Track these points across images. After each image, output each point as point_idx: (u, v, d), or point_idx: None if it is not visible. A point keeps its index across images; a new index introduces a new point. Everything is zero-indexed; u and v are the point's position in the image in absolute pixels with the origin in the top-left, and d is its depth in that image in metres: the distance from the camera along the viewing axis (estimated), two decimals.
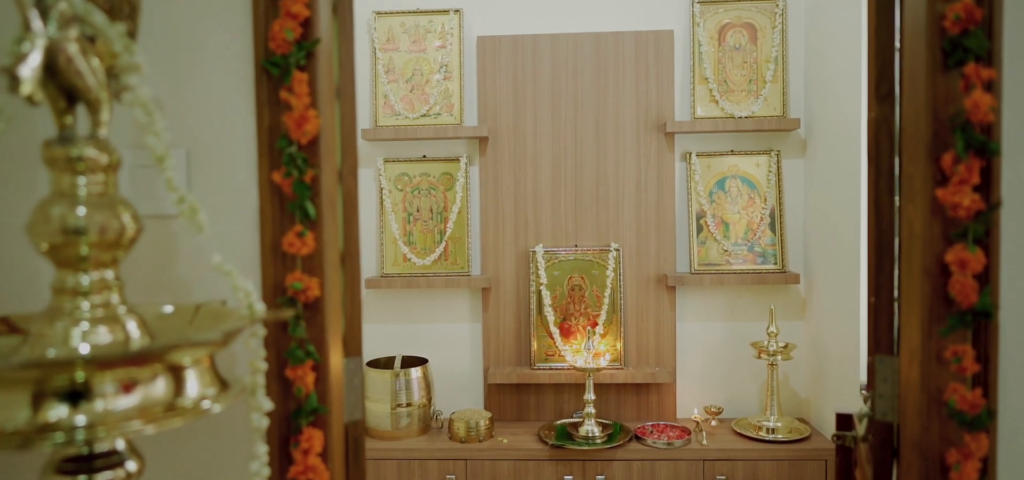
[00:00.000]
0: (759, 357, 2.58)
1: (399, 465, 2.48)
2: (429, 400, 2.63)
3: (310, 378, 1.03)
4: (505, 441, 2.54)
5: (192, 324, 0.91)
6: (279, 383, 1.04)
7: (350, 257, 1.17)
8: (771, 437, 2.51)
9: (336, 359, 1.10)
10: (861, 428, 1.39)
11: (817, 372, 2.64)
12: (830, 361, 2.52)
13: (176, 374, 0.79)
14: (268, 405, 0.89)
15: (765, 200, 2.72)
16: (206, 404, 0.80)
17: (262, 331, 0.88)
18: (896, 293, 1.21)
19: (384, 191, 2.77)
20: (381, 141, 2.76)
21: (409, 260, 2.76)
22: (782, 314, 2.70)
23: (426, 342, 2.82)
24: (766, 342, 2.58)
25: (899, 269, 1.12)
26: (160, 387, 0.77)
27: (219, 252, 0.96)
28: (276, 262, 1.04)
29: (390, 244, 2.78)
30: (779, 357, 2.56)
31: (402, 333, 2.83)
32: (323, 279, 1.06)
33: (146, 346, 0.81)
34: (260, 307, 0.86)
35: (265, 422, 0.89)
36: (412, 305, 2.82)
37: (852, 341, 2.33)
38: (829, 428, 2.53)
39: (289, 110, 1.01)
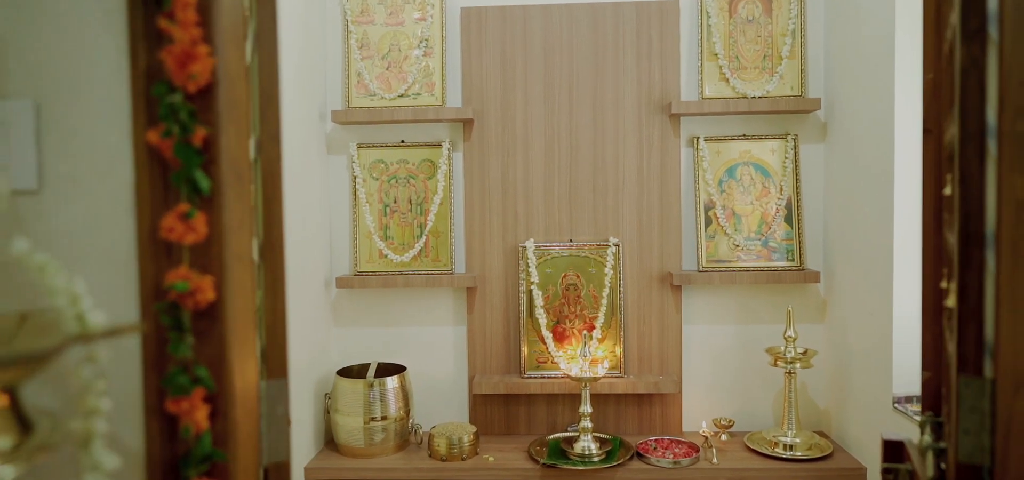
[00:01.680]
0: (775, 364, 2.31)
1: None
2: (407, 413, 2.35)
3: (201, 413, 0.75)
4: (491, 459, 2.26)
5: (14, 340, 0.63)
6: (160, 421, 0.77)
7: (271, 250, 0.89)
8: (789, 454, 2.24)
9: (246, 384, 0.82)
10: (927, 467, 1.11)
11: (839, 382, 2.37)
12: (855, 370, 2.25)
13: None
14: (111, 462, 0.61)
15: (781, 189, 2.44)
16: None
17: (101, 353, 0.61)
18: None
19: (357, 180, 2.49)
20: (354, 124, 2.48)
21: (385, 257, 2.49)
22: (799, 317, 2.43)
23: (404, 348, 2.54)
24: (783, 348, 2.31)
25: (996, 261, 0.84)
26: None
27: (82, 238, 0.68)
28: (157, 254, 0.76)
29: (364, 239, 2.50)
30: (797, 365, 2.29)
31: (377, 338, 2.56)
32: (222, 277, 0.78)
33: None
34: (96, 318, 0.58)
35: None
36: (388, 307, 2.55)
37: (882, 348, 2.06)
38: (853, 444, 2.26)
39: (169, 44, 0.73)
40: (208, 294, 0.76)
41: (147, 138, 0.75)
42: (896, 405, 1.99)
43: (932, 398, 1.28)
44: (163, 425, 0.77)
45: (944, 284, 1.15)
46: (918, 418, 1.90)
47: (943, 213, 1.19)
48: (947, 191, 1.04)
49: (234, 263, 0.80)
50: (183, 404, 0.74)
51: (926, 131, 1.24)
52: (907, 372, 2.00)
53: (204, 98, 0.77)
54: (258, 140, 0.88)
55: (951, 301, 0.92)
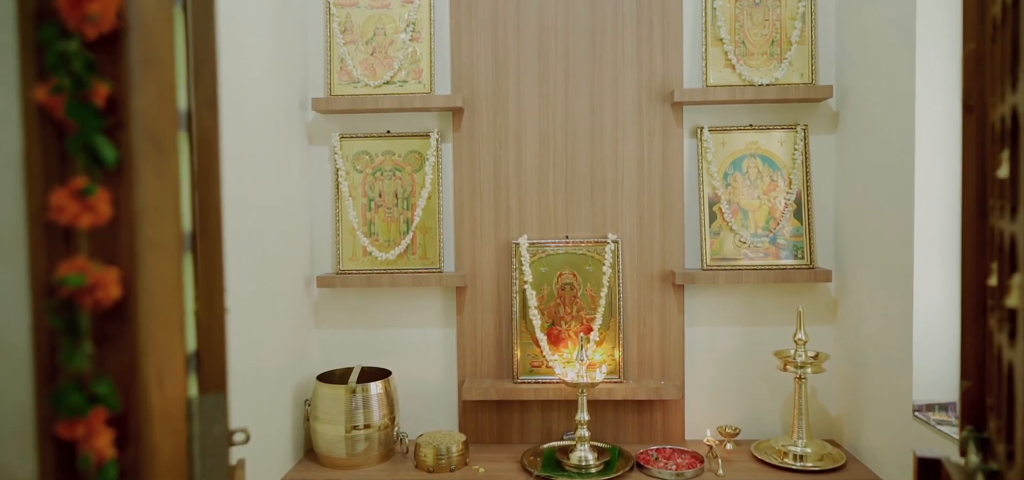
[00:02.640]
0: (784, 369, 2.16)
1: None
2: (392, 420, 2.20)
3: (103, 438, 0.61)
4: (482, 470, 2.12)
5: None
6: (55, 449, 0.62)
7: (207, 237, 0.75)
8: (799, 465, 2.10)
9: (168, 400, 0.67)
10: None
11: (852, 387, 2.22)
12: (870, 374, 2.11)
13: None
14: None
15: (790, 183, 2.30)
16: None
17: None
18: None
19: (340, 172, 2.34)
20: (336, 113, 2.33)
21: (370, 254, 2.34)
22: (808, 318, 2.29)
23: (389, 351, 2.39)
24: (792, 351, 2.17)
25: None
26: None
27: None
28: (50, 241, 0.62)
29: (347, 235, 2.36)
30: (808, 369, 2.14)
31: (361, 340, 2.41)
32: (133, 269, 0.63)
33: None
34: None
35: None
36: (373, 307, 2.40)
37: (900, 351, 1.91)
38: (868, 455, 2.11)
39: None
40: (111, 290, 0.61)
41: (35, 96, 0.60)
42: (916, 413, 1.85)
43: (973, 410, 1.14)
44: (59, 454, 0.62)
45: (992, 280, 1.00)
46: (943, 429, 1.75)
47: (988, 199, 1.04)
48: (1002, 172, 0.89)
49: (150, 252, 0.65)
50: (78, 428, 0.59)
51: (967, 108, 1.09)
52: (927, 377, 1.86)
53: (109, 47, 0.62)
54: (188, 111, 0.73)
55: (1015, 299, 0.78)
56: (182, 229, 0.71)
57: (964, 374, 1.13)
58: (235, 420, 1.76)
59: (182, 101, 0.72)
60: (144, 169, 0.64)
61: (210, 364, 0.75)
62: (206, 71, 0.75)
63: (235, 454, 1.10)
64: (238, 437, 0.95)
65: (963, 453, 1.12)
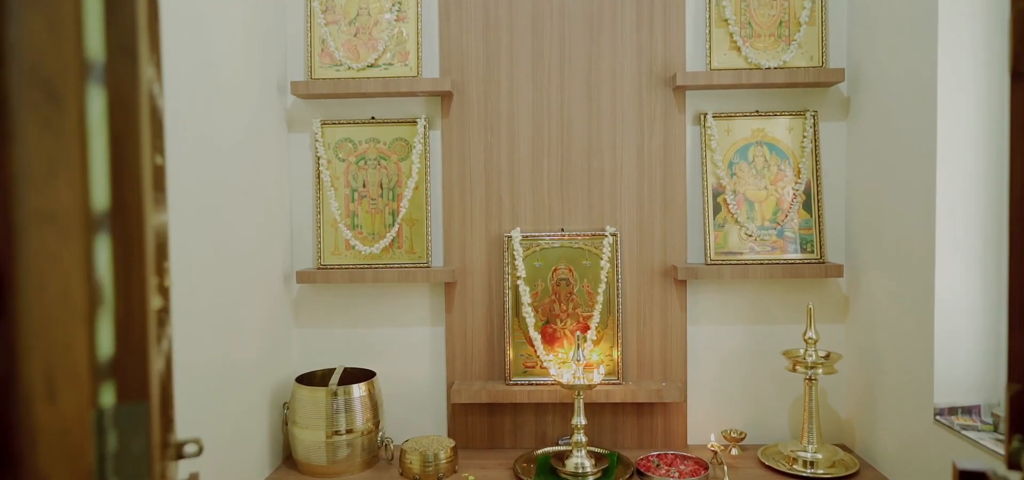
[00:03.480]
0: (793, 369, 2.03)
1: None
2: (376, 425, 2.07)
3: None
4: (471, 478, 1.98)
5: None
6: None
7: (125, 213, 0.61)
8: (809, 472, 1.97)
9: (65, 412, 0.53)
10: None
11: (865, 389, 2.10)
12: (886, 375, 1.98)
13: None
14: None
15: (799, 173, 2.17)
16: None
17: None
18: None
19: (321, 161, 2.20)
20: (317, 98, 2.19)
21: (353, 248, 2.20)
22: (817, 316, 2.16)
23: (373, 351, 2.26)
24: (802, 351, 2.04)
25: None
26: None
27: None
28: None
29: (329, 227, 2.22)
30: (819, 370, 2.01)
31: (343, 339, 2.27)
32: (10, 247, 0.49)
33: None
34: None
35: None
36: (356, 304, 2.26)
37: (920, 351, 1.78)
38: (883, 461, 1.99)
39: None
40: None
41: None
42: (938, 417, 1.72)
43: (1023, 417, 1.01)
44: None
45: None
46: (969, 434, 1.62)
47: None
48: None
49: (37, 226, 0.52)
50: None
51: (1016, 75, 0.96)
52: (949, 379, 1.73)
53: None
54: (102, 48, 0.59)
55: None
56: (88, 199, 0.57)
57: (1012, 377, 1.00)
58: (204, 426, 1.63)
59: (93, 44, 0.58)
60: (27, 120, 0.50)
61: (130, 367, 0.61)
62: (124, 11, 0.61)
63: (185, 467, 0.96)
64: (189, 448, 0.82)
65: (1013, 465, 0.98)
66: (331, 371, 2.15)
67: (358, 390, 2.04)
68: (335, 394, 2.00)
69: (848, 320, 2.20)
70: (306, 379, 2.12)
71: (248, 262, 1.92)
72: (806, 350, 2.02)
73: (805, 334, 2.02)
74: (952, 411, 1.72)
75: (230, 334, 1.80)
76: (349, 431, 2.01)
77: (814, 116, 2.17)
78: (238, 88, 1.86)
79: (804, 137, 2.17)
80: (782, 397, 2.23)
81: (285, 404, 2.10)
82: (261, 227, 2.01)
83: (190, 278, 1.56)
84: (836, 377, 2.20)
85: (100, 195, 0.60)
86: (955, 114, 1.69)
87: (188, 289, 1.55)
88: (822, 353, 2.04)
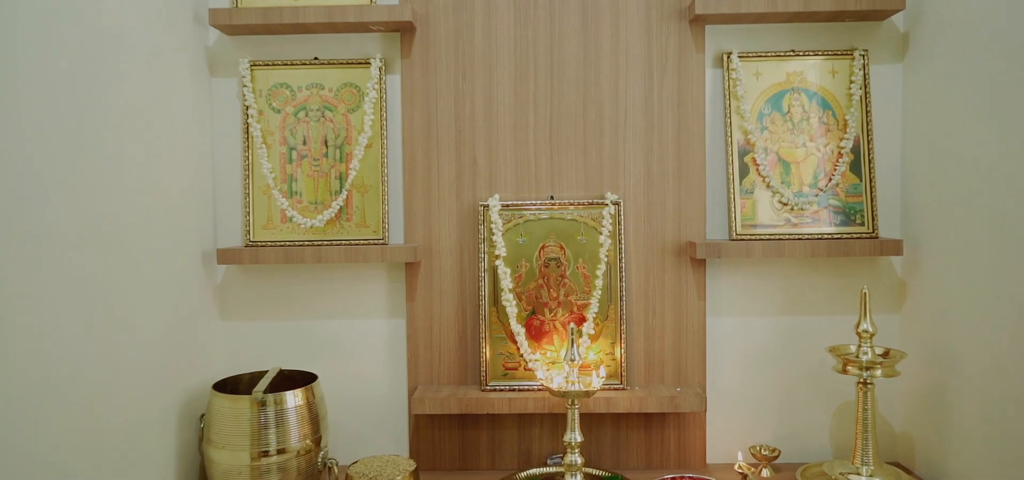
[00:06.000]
0: (843, 370, 1.63)
1: None
2: (317, 442, 1.65)
3: None
4: None
5: None
6: None
7: None
8: None
9: None
10: None
11: (930, 395, 1.69)
12: (958, 380, 1.58)
13: None
14: None
15: (845, 127, 1.77)
16: None
17: None
18: None
19: (250, 111, 1.78)
20: (245, 33, 1.78)
21: (290, 220, 1.78)
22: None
23: (316, 348, 1.86)
24: (854, 348, 1.63)
25: None
26: None
27: None
28: None
29: (260, 195, 1.79)
30: (878, 371, 1.60)
31: (279, 334, 1.87)
32: None
33: None
34: None
35: None
36: (295, 290, 1.85)
37: (1008, 350, 1.38)
38: None
39: None
40: None
41: None
42: None
43: None
44: None
45: None
46: None
47: None
48: None
49: None
50: None
51: None
52: None
53: None
54: None
55: None
56: None
57: None
58: (81, 445, 1.22)
59: None
60: None
61: None
62: None
63: None
64: None
65: None
66: (261, 375, 1.72)
67: (293, 398, 1.62)
68: (263, 404, 1.59)
69: (904, 309, 1.80)
70: (229, 386, 1.70)
71: (153, 238, 1.51)
72: (860, 346, 1.62)
73: (858, 327, 1.62)
74: None
75: (122, 330, 1.40)
76: (281, 451, 1.59)
77: (864, 56, 1.77)
78: (137, 17, 1.45)
79: (851, 82, 1.77)
80: (822, 406, 1.84)
81: (202, 416, 1.68)
82: (171, 194, 1.59)
83: (60, 261, 1.15)
84: (885, 381, 1.79)
85: None
86: None
87: (57, 274, 1.14)
88: (879, 350, 1.63)
